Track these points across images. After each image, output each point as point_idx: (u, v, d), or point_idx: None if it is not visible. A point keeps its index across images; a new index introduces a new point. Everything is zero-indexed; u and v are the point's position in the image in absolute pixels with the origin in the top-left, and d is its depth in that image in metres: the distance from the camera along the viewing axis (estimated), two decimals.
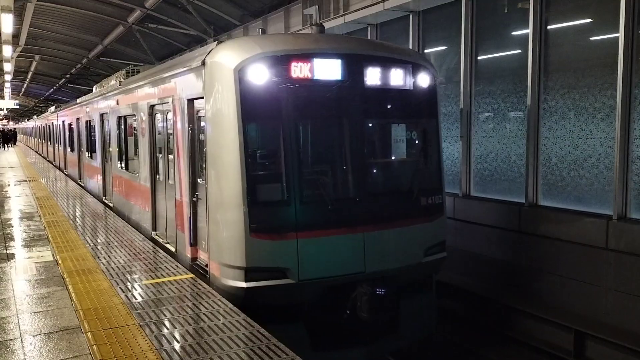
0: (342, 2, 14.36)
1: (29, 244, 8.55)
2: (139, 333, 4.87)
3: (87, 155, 16.70)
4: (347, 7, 14.06)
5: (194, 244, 7.28)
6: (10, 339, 4.81)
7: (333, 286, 6.33)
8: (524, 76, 9.10)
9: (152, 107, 9.16)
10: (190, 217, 7.29)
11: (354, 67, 6.59)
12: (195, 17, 20.94)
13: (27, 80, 50.30)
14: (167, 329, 4.98)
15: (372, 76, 6.71)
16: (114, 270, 6.92)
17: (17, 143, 61.35)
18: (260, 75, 6.11)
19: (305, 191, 6.32)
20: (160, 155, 8.95)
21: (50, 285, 6.37)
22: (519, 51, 9.43)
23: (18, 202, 13.11)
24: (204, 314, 5.38)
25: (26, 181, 17.92)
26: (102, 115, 13.73)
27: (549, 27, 8.83)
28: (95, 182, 15.31)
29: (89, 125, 16.19)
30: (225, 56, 6.34)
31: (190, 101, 7.28)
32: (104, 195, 13.74)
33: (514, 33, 9.63)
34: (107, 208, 12.12)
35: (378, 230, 6.52)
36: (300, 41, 6.72)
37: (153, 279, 6.59)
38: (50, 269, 7.10)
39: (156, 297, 5.89)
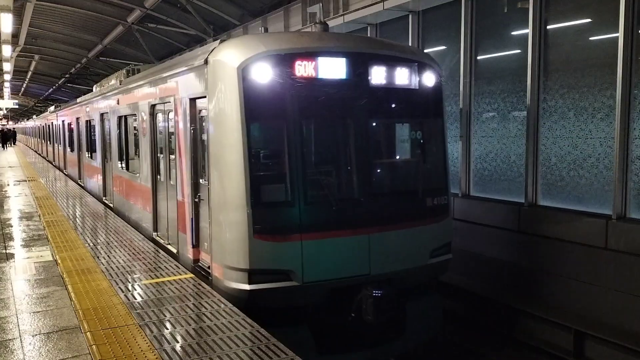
0: (341, 2, 14.35)
1: (29, 243, 8.54)
2: (139, 333, 4.87)
3: (87, 155, 16.68)
4: (346, 7, 14.05)
5: (196, 245, 7.19)
6: (10, 339, 4.81)
7: (338, 288, 6.23)
8: (524, 76, 9.10)
9: (153, 106, 9.10)
10: (192, 218, 7.21)
11: (359, 66, 6.50)
12: (194, 16, 20.94)
13: (27, 80, 50.29)
14: (167, 328, 4.98)
15: (377, 75, 6.62)
16: (114, 270, 6.92)
17: (17, 143, 61.33)
18: (264, 74, 6.01)
19: (310, 192, 6.22)
20: (162, 156, 8.88)
21: (50, 285, 6.37)
22: (519, 51, 9.43)
23: (17, 201, 13.11)
24: (203, 313, 5.38)
25: (25, 181, 17.91)
26: (102, 115, 13.70)
27: (548, 27, 8.83)
28: (95, 182, 15.28)
29: (89, 125, 16.16)
30: (229, 54, 6.25)
31: (193, 100, 7.19)
32: (104, 196, 13.72)
33: (513, 33, 9.63)
34: (107, 208, 12.11)
35: (383, 232, 6.43)
36: (304, 39, 6.62)
37: (153, 278, 6.58)
38: (49, 268, 7.10)
39: (155, 296, 5.89)
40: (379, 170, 6.98)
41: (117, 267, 7.09)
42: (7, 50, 20.94)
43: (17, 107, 64.69)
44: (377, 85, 6.63)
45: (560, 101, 8.67)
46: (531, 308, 8.51)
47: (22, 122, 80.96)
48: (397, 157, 7.36)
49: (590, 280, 8.01)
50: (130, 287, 6.22)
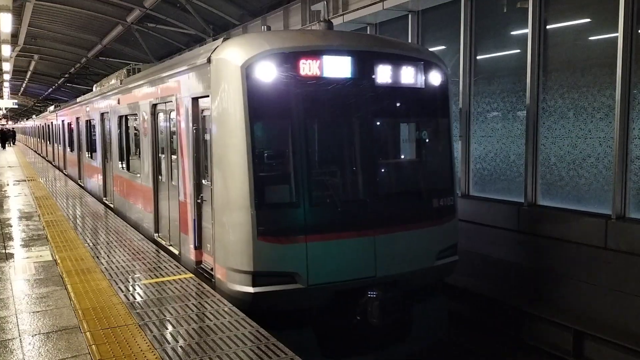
0: (341, 2, 14.35)
1: (28, 243, 8.54)
2: (138, 333, 4.87)
3: (87, 155, 16.66)
4: (346, 7, 14.06)
5: (199, 247, 7.09)
6: (9, 339, 4.81)
7: (343, 291, 6.14)
8: (523, 76, 9.10)
9: (154, 106, 9.03)
10: (194, 219, 7.13)
11: (364, 65, 6.40)
12: (194, 16, 20.94)
13: (26, 79, 50.26)
14: (166, 328, 4.98)
15: (383, 74, 6.52)
16: (113, 270, 6.92)
17: (16, 143, 61.32)
18: (269, 73, 5.91)
19: (315, 193, 6.11)
20: (163, 156, 8.80)
21: (49, 285, 6.37)
22: (518, 51, 9.43)
23: (17, 201, 13.11)
24: (203, 313, 5.38)
25: (25, 181, 17.91)
26: (102, 114, 13.67)
27: (548, 27, 8.83)
28: (95, 183, 15.24)
29: (89, 124, 16.13)
30: (232, 53, 6.14)
31: (195, 100, 7.11)
32: (105, 196, 13.69)
33: (513, 32, 9.63)
34: (107, 208, 12.10)
35: (389, 233, 6.33)
36: (309, 37, 6.53)
37: (152, 278, 6.58)
38: (49, 268, 7.10)
39: (155, 296, 5.89)
40: (384, 171, 6.87)
41: (116, 267, 7.08)
42: (6, 50, 20.93)
43: (16, 107, 64.74)
44: (383, 84, 6.52)
45: (560, 101, 8.67)
46: (531, 307, 8.51)
47: (22, 122, 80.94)
48: (403, 157, 7.25)
49: (589, 280, 8.01)
50: (130, 287, 6.22)
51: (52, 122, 27.94)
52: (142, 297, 5.85)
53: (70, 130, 20.37)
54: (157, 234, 9.08)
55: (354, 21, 12.80)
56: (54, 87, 51.56)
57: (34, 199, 13.41)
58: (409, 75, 6.72)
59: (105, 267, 7.03)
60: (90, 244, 8.36)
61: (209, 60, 6.42)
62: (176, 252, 7.93)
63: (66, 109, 22.82)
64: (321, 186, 6.26)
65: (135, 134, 10.53)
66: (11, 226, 9.96)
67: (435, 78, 6.93)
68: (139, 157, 10.06)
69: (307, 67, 6.07)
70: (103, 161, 13.76)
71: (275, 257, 5.91)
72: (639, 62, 7.55)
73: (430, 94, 6.97)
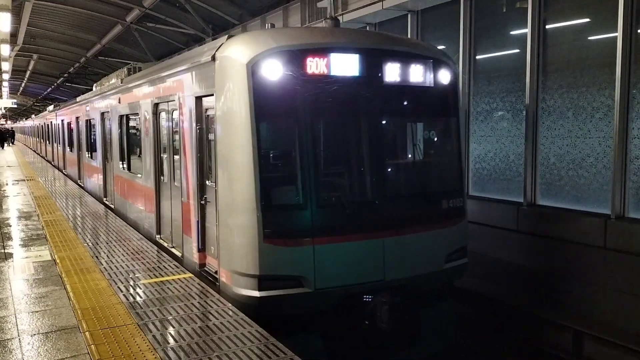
0: (340, 1, 14.35)
1: (27, 243, 8.54)
2: (138, 332, 4.86)
3: (87, 155, 16.61)
4: (345, 6, 14.05)
5: (202, 249, 6.96)
6: (8, 339, 4.80)
7: (351, 295, 5.98)
8: (523, 75, 9.11)
9: (156, 105, 8.92)
10: (197, 221, 7.00)
11: (372, 63, 6.24)
12: (193, 16, 20.94)
13: (25, 79, 50.28)
14: (166, 328, 4.97)
15: (392, 72, 6.35)
16: (113, 270, 6.91)
17: (15, 142, 61.29)
18: (275, 71, 5.74)
19: (322, 194, 5.97)
20: (165, 156, 8.68)
21: (48, 285, 6.37)
22: (518, 50, 9.43)
23: (16, 201, 13.10)
24: (203, 313, 5.37)
25: (24, 180, 17.90)
26: (102, 114, 13.61)
27: (547, 27, 8.83)
28: (95, 183, 15.17)
29: (89, 124, 16.08)
30: (237, 50, 5.99)
31: (199, 99, 6.97)
32: (105, 196, 13.63)
33: (512, 32, 9.63)
34: (106, 208, 12.08)
35: (398, 236, 6.17)
36: (316, 34, 6.36)
37: (151, 278, 6.58)
38: (48, 268, 7.10)
39: (154, 296, 5.89)
40: (393, 172, 6.68)
41: (116, 266, 7.08)
42: (5, 49, 20.90)
43: (15, 106, 64.71)
44: (392, 83, 6.37)
45: (559, 100, 8.68)
46: (531, 307, 8.51)
47: (21, 122, 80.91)
48: (412, 158, 7.05)
49: (588, 280, 8.01)
50: (129, 287, 6.22)
51: (51, 122, 27.91)
52: (141, 297, 5.85)
53: (70, 130, 20.34)
54: (158, 236, 9.00)
55: (353, 21, 12.80)
56: (53, 86, 51.56)
57: (33, 198, 13.40)
58: (418, 74, 6.56)
59: (104, 267, 7.03)
60: (90, 244, 8.36)
61: (213, 58, 6.28)
62: (179, 254, 7.83)
63: (66, 109, 22.79)
64: (328, 187, 6.12)
65: (137, 134, 10.46)
66: (10, 226, 9.96)
67: (444, 76, 6.77)
68: (140, 157, 9.95)
69: (315, 65, 5.91)
70: (103, 161, 13.69)
71: (281, 261, 5.75)
72: (638, 62, 7.56)
73: (440, 93, 6.82)
